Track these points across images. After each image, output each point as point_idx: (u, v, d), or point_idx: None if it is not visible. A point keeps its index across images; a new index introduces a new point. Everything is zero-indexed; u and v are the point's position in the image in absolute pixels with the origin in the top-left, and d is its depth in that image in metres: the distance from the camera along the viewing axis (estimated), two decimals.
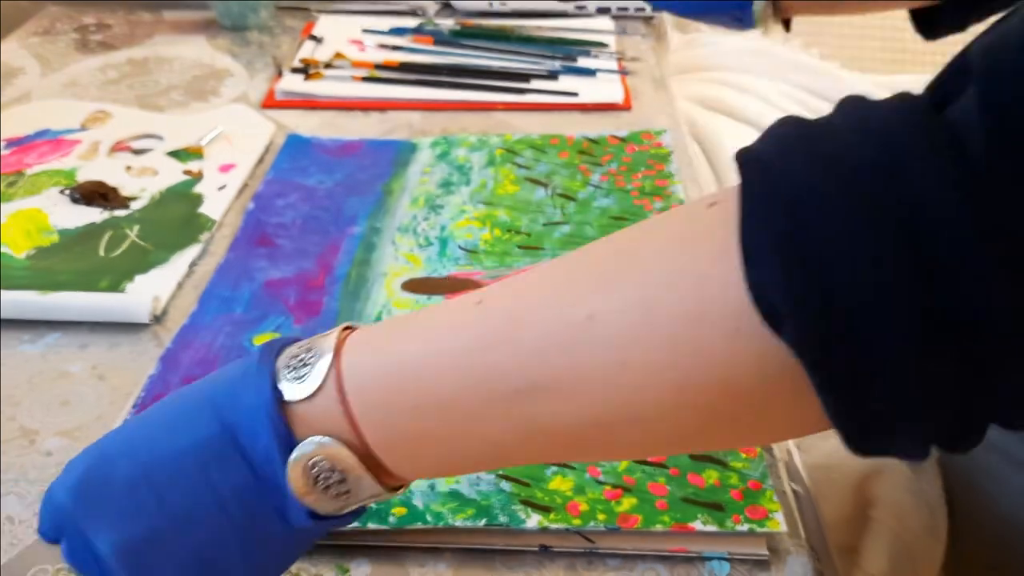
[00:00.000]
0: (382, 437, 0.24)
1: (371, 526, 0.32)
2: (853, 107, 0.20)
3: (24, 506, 0.34)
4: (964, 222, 0.17)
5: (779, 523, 0.32)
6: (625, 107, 0.64)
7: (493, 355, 0.22)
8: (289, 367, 0.24)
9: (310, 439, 0.23)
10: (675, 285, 0.20)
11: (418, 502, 0.33)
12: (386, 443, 0.24)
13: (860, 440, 0.19)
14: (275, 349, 0.25)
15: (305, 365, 0.24)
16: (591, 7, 0.79)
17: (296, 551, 0.27)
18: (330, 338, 0.25)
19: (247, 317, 0.43)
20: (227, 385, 0.25)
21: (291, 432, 0.24)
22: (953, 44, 0.29)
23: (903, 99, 0.19)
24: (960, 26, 0.45)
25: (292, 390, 0.24)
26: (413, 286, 0.46)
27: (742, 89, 0.83)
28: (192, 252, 0.48)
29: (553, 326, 0.22)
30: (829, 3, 0.46)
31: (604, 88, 0.66)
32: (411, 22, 0.77)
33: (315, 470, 0.23)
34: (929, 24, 0.45)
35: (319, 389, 0.24)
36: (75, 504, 0.24)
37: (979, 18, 0.44)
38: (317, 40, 0.73)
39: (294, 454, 0.23)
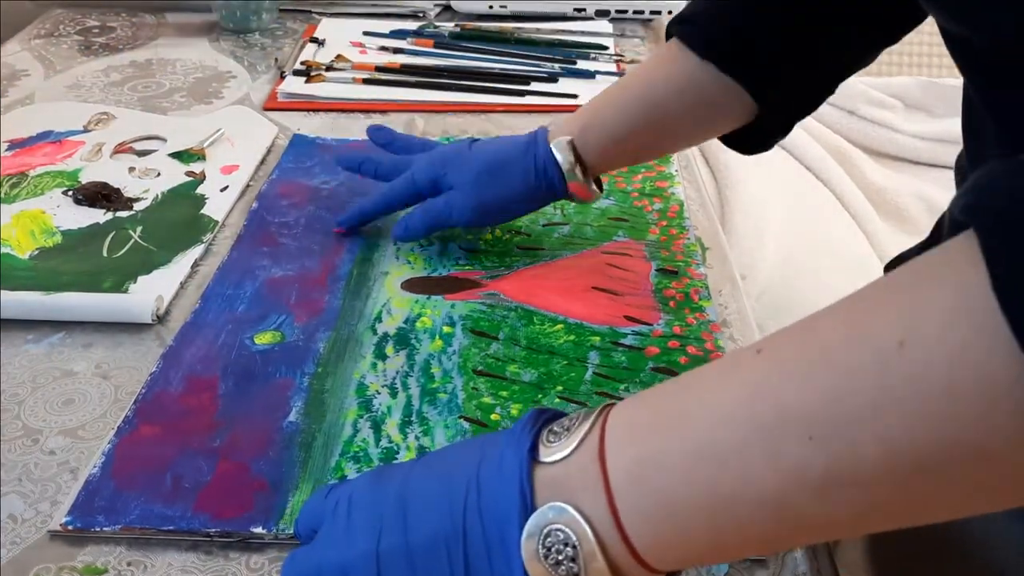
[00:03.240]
0: (636, 497, 0.22)
1: None
2: None
3: (27, 505, 0.34)
4: None
5: None
6: None
7: (784, 397, 0.20)
8: (553, 432, 0.24)
9: (551, 504, 0.23)
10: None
11: None
12: (640, 509, 0.22)
13: None
14: (544, 418, 0.25)
15: (567, 430, 0.24)
16: (591, 10, 0.80)
17: None
18: (596, 409, 0.24)
19: (249, 315, 0.44)
20: (492, 444, 0.25)
21: (534, 493, 0.23)
22: (943, 45, 0.30)
23: None
24: (781, 134, 0.44)
25: (548, 451, 0.24)
26: (412, 285, 0.46)
27: None
28: (195, 253, 0.48)
29: (857, 358, 0.20)
30: (632, 155, 0.46)
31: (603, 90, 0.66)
32: (412, 25, 0.77)
33: (549, 539, 0.23)
34: (746, 143, 0.44)
35: (576, 449, 0.23)
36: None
37: (795, 122, 0.43)
38: (319, 43, 0.74)
39: (532, 518, 0.23)
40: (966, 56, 0.29)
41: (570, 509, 0.23)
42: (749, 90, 0.41)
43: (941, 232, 0.40)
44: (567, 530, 0.23)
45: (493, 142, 0.46)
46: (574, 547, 0.22)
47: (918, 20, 0.40)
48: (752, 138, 0.44)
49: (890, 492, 0.20)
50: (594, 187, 0.45)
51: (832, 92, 0.43)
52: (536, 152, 0.44)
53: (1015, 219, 0.18)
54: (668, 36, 0.42)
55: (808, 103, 0.43)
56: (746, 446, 0.21)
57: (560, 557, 0.23)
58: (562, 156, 0.43)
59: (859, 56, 0.42)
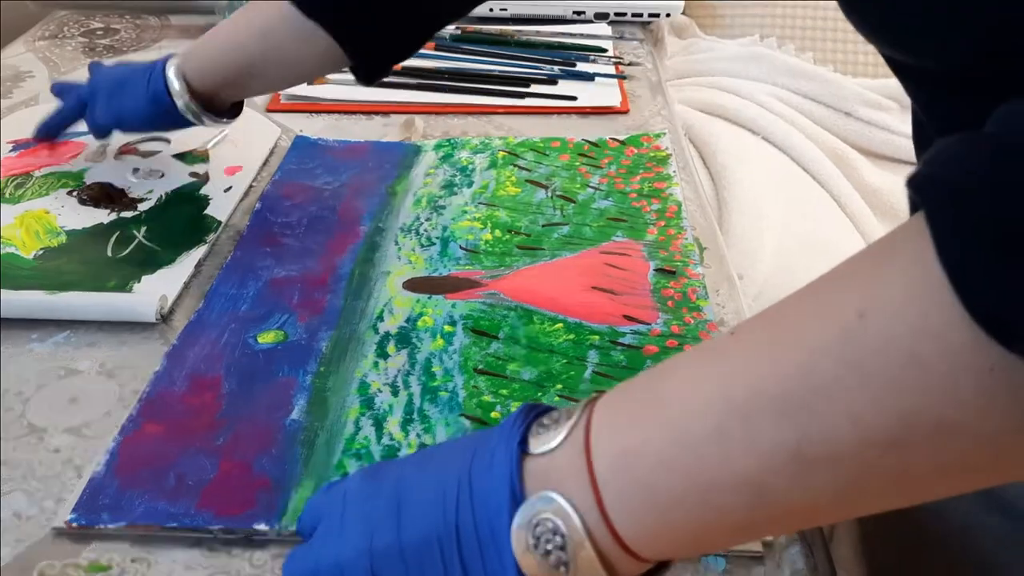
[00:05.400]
0: (619, 486, 0.22)
1: None
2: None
3: (31, 503, 0.34)
4: None
5: None
6: (623, 111, 0.65)
7: (755, 377, 0.21)
8: (542, 424, 0.25)
9: (539, 494, 0.23)
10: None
11: None
12: (623, 498, 0.22)
13: None
14: (536, 412, 0.26)
15: (556, 422, 0.24)
16: (590, 12, 0.80)
17: None
18: (585, 400, 0.25)
19: (252, 315, 0.44)
20: (483, 440, 0.26)
21: (523, 485, 0.24)
22: None
23: None
24: (378, 74, 0.47)
25: (538, 443, 0.24)
26: (414, 285, 0.46)
27: (737, 93, 0.84)
28: (198, 253, 0.49)
29: (821, 332, 0.20)
30: (234, 83, 0.48)
31: (602, 92, 0.67)
32: None
33: (538, 529, 0.23)
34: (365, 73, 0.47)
35: (564, 440, 0.24)
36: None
37: (389, 67, 0.47)
38: None
39: (522, 509, 0.23)
40: (908, 78, 0.29)
41: (558, 498, 0.23)
42: (337, 40, 0.43)
43: None
44: (556, 519, 0.23)
45: (122, 68, 0.52)
46: (562, 536, 0.23)
47: None
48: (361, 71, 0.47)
49: (863, 470, 0.20)
50: (214, 116, 0.49)
51: (429, 39, 0.46)
52: (152, 75, 0.48)
53: (956, 188, 0.18)
54: None
55: (401, 52, 0.46)
56: (721, 430, 0.21)
57: (549, 547, 0.23)
58: (171, 77, 0.47)
59: (457, 9, 0.44)
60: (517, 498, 0.23)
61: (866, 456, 0.20)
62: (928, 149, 0.26)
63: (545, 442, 0.24)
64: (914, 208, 0.20)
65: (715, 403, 0.21)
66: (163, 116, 0.49)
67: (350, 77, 0.68)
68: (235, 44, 0.46)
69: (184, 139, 0.60)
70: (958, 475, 0.20)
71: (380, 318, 0.44)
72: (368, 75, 0.48)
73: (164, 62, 0.48)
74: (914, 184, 0.19)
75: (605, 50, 0.73)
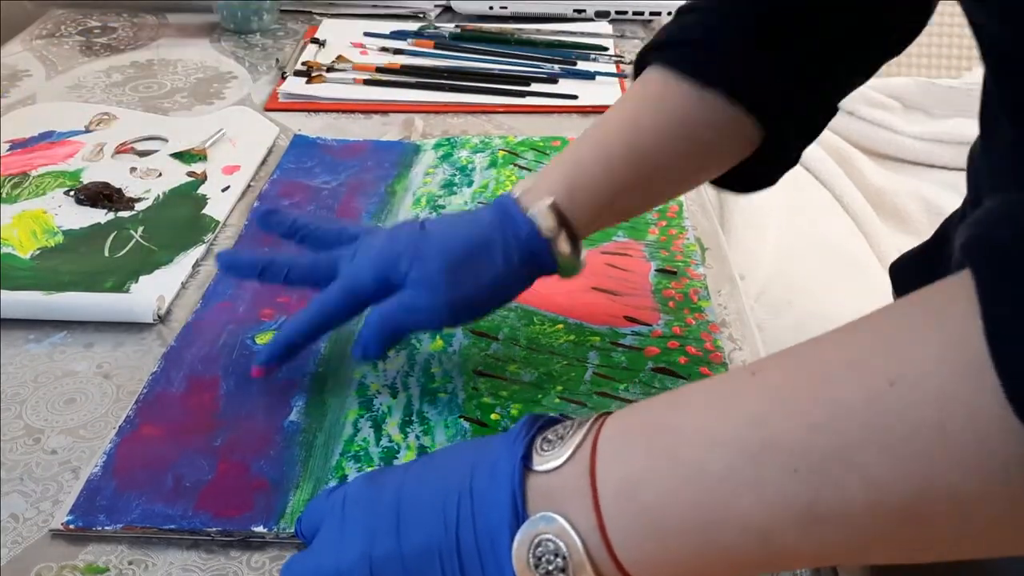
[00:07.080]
0: (622, 513, 0.22)
1: None
2: None
3: (28, 504, 0.34)
4: None
5: None
6: None
7: (771, 426, 0.20)
8: (547, 440, 0.24)
9: (542, 514, 0.23)
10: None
11: None
12: (626, 525, 0.22)
13: None
14: (539, 424, 0.25)
15: (560, 439, 0.24)
16: (590, 11, 0.80)
17: None
18: (591, 418, 0.24)
19: (250, 315, 0.44)
20: (486, 450, 0.25)
21: (525, 502, 0.23)
22: (946, 47, 0.30)
23: None
24: (789, 165, 0.40)
25: (542, 460, 0.24)
26: None
27: None
28: (196, 253, 0.49)
29: (846, 393, 0.19)
30: (622, 215, 0.40)
31: (603, 91, 0.66)
32: (412, 26, 0.77)
33: (540, 549, 0.23)
34: (749, 180, 0.39)
35: (569, 459, 0.23)
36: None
37: (802, 151, 0.39)
38: (319, 43, 0.74)
39: (523, 527, 0.23)
40: (988, 48, 0.28)
41: (560, 520, 0.23)
42: (758, 117, 0.35)
43: (945, 238, 0.40)
44: (557, 541, 0.23)
45: (452, 222, 0.37)
46: (564, 558, 0.23)
47: (922, 26, 0.38)
48: (755, 174, 0.39)
49: (874, 535, 0.20)
50: (582, 258, 0.37)
51: (834, 113, 0.39)
52: (515, 226, 0.35)
53: (1007, 254, 0.18)
54: (643, 66, 0.36)
55: (815, 126, 0.39)
56: (732, 472, 0.21)
57: (551, 568, 0.23)
58: (545, 224, 0.35)
59: (864, 69, 0.38)
60: (519, 515, 0.23)
61: (878, 524, 0.19)
62: (993, 135, 0.24)
63: (550, 459, 0.24)
64: (960, 265, 0.19)
65: (728, 445, 0.21)
66: (529, 280, 0.37)
67: (348, 76, 0.68)
68: (624, 176, 0.35)
69: (182, 138, 0.59)
70: (970, 545, 0.20)
71: None
72: (773, 170, 0.39)
73: (520, 213, 0.35)
74: (965, 248, 0.19)
75: (606, 49, 0.73)
